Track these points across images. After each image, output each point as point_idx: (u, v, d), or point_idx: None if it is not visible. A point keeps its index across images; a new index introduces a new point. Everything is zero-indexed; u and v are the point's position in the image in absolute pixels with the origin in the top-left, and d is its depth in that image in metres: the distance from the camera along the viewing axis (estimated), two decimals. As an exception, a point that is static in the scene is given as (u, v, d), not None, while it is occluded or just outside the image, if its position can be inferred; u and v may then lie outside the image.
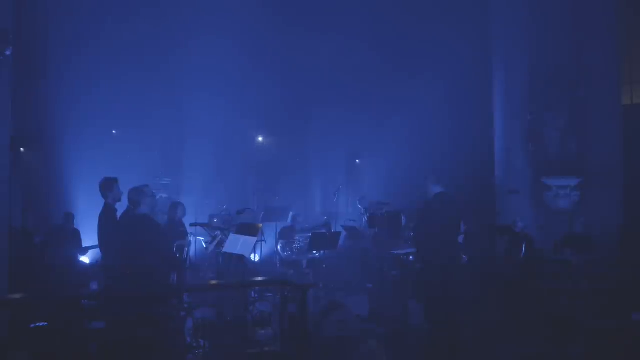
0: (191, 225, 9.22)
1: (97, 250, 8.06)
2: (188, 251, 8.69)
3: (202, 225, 9.20)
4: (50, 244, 9.84)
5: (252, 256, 9.91)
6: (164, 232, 7.36)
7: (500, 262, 10.08)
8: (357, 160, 15.20)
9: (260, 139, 15.11)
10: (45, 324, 6.35)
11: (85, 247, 10.04)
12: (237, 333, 7.37)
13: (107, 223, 6.94)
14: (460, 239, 7.62)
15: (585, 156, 10.88)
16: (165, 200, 11.31)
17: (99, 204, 7.13)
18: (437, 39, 11.84)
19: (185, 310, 7.13)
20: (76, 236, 10.22)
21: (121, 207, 7.06)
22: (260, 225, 9.75)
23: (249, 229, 8.73)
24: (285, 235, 10.69)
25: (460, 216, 7.35)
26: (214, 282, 8.34)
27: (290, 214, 11.28)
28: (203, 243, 9.90)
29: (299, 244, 10.44)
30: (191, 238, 9.39)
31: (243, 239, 7.93)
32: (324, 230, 10.81)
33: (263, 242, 10.43)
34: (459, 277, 7.12)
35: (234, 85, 13.06)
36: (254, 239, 8.18)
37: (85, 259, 10.22)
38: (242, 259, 8.10)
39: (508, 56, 11.63)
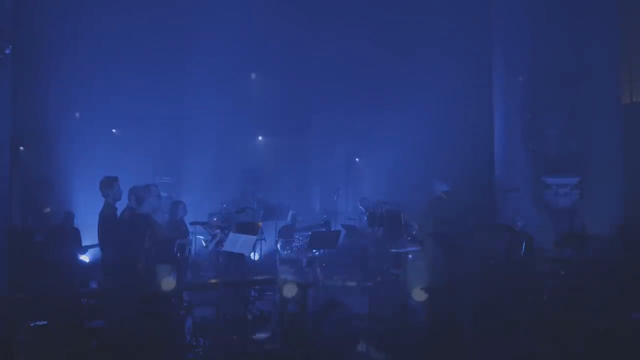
0: (191, 224, 9.21)
1: (97, 249, 8.07)
2: (190, 250, 8.70)
3: (201, 223, 9.20)
4: (50, 242, 9.84)
5: (251, 255, 9.91)
6: (163, 232, 7.38)
7: (500, 261, 10.08)
8: (357, 159, 15.20)
9: (260, 137, 15.11)
10: (45, 322, 6.36)
11: (85, 246, 10.03)
12: (236, 332, 7.38)
13: (107, 222, 6.95)
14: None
15: (585, 155, 10.88)
16: (165, 199, 11.31)
17: (99, 202, 7.13)
18: (438, 37, 11.84)
19: (184, 309, 7.14)
20: (76, 235, 10.21)
21: (121, 206, 7.07)
22: (260, 223, 9.75)
23: (248, 228, 8.74)
24: (285, 234, 10.69)
25: (466, 213, 7.42)
26: (213, 280, 8.34)
27: (290, 212, 11.29)
28: (203, 242, 9.90)
29: (298, 242, 10.45)
30: (191, 237, 9.40)
31: (243, 237, 7.93)
32: (323, 229, 10.82)
33: (263, 241, 10.43)
34: (464, 272, 7.16)
35: (234, 83, 13.05)
36: (253, 238, 8.19)
37: (85, 258, 10.21)
38: (242, 258, 8.11)
39: (508, 56, 11.63)
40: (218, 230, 8.82)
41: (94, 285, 8.66)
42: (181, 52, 12.57)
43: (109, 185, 7.05)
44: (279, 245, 10.45)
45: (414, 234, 9.91)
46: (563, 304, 8.72)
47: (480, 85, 12.08)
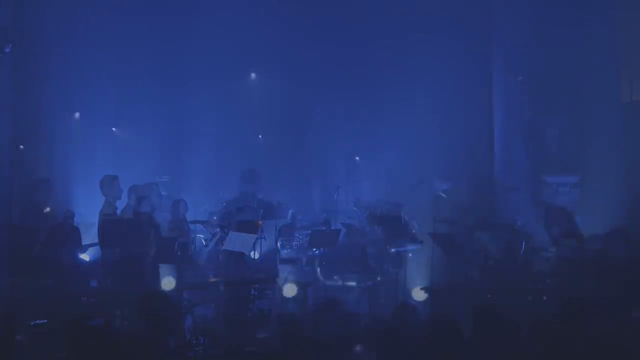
0: (191, 222, 9.22)
1: (97, 248, 8.07)
2: (192, 248, 8.71)
3: (201, 222, 9.20)
4: (49, 241, 9.82)
5: (251, 254, 9.92)
6: (163, 232, 7.37)
7: (500, 261, 10.08)
8: (357, 159, 15.19)
9: (260, 136, 15.11)
10: (45, 321, 6.36)
11: (85, 244, 10.01)
12: (236, 331, 7.38)
13: (107, 221, 6.96)
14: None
15: (585, 154, 10.90)
16: (165, 198, 11.31)
17: (98, 201, 7.14)
18: (437, 37, 11.83)
19: (185, 308, 7.14)
20: (75, 234, 10.18)
21: (120, 205, 7.08)
22: (260, 222, 9.75)
23: (248, 227, 8.74)
24: (285, 232, 10.70)
25: (466, 213, 7.44)
26: (213, 279, 8.34)
27: (290, 211, 11.29)
28: (202, 240, 9.90)
29: (298, 241, 10.46)
30: (192, 235, 9.40)
31: (243, 236, 7.94)
32: (323, 228, 10.82)
33: (263, 240, 10.43)
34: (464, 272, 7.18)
35: (233, 83, 13.04)
36: (253, 237, 8.20)
37: (85, 257, 10.19)
38: (242, 257, 8.11)
39: (508, 56, 11.64)
40: (218, 229, 8.82)
41: (94, 284, 8.65)
42: (181, 51, 12.57)
43: (109, 184, 7.08)
44: (279, 244, 10.46)
45: (413, 234, 9.92)
46: (563, 302, 8.71)
47: (480, 85, 12.08)
